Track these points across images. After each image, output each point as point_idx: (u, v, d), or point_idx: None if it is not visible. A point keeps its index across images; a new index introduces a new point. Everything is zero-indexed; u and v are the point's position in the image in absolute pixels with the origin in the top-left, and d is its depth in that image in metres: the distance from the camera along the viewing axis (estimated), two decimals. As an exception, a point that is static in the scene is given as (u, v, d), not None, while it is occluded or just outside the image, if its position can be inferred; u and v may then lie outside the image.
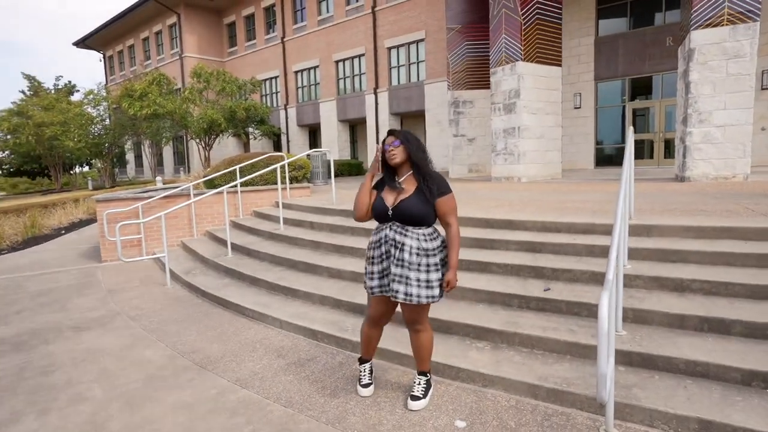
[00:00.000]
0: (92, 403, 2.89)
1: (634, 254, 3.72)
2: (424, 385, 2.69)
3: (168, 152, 28.80)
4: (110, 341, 3.97)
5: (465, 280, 3.87)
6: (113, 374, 3.30)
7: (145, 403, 2.86)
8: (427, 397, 2.68)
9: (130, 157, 33.19)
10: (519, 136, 10.38)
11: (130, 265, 7.02)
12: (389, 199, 2.51)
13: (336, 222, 6.09)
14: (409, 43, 18.52)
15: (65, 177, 31.26)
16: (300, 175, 9.42)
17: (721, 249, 3.53)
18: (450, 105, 13.72)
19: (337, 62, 21.29)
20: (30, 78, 30.35)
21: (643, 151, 13.65)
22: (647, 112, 13.72)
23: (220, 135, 20.29)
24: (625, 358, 2.72)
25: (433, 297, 2.47)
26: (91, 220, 12.04)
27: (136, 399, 2.92)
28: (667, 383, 2.52)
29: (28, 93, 30.30)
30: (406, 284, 2.44)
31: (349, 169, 18.18)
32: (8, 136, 25.38)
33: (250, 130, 21.39)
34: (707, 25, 7.84)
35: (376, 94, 19.66)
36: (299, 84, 23.38)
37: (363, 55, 20.11)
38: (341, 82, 21.43)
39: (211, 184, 9.12)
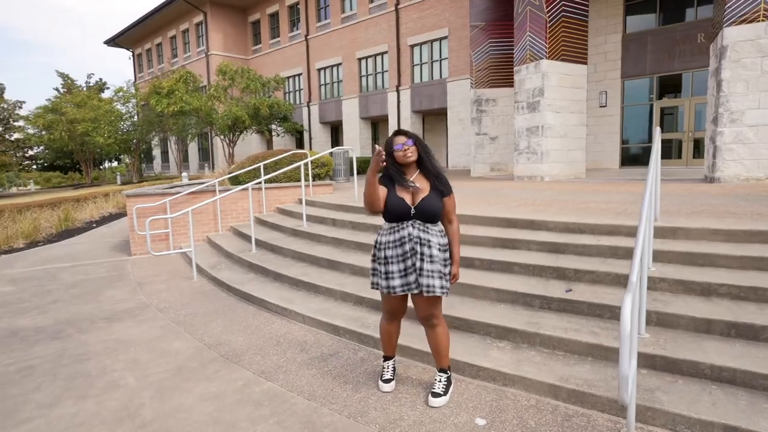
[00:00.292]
0: (125, 390, 3.02)
1: (659, 257, 3.68)
2: (445, 383, 2.73)
3: (193, 148, 29.40)
4: (140, 332, 4.12)
5: (487, 279, 3.89)
6: (144, 364, 3.43)
7: (174, 393, 2.97)
8: (448, 395, 2.71)
9: (156, 152, 34.03)
10: (542, 135, 10.27)
11: (157, 258, 7.24)
12: (407, 197, 2.56)
13: (358, 219, 6.16)
14: (432, 41, 18.46)
15: (95, 172, 32.24)
16: (323, 172, 9.53)
17: (752, 253, 3.45)
18: (473, 103, 13.64)
19: (359, 60, 21.37)
20: (64, 76, 31.40)
21: (671, 150, 13.32)
22: (676, 111, 13.38)
23: (244, 132, 20.63)
24: (648, 362, 2.70)
25: (448, 288, 2.62)
26: (120, 214, 12.43)
27: (167, 388, 3.04)
28: (691, 388, 2.49)
29: (61, 90, 31.34)
30: (433, 278, 2.55)
31: (371, 166, 18.23)
32: (43, 132, 26.32)
33: (274, 127, 21.68)
34: (742, 21, 7.60)
35: (398, 91, 19.68)
36: (322, 81, 23.56)
37: (386, 52, 20.14)
38: (364, 79, 21.50)
39: (235, 181, 9.31)
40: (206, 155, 28.67)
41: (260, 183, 7.92)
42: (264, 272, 5.47)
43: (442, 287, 2.56)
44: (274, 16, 25.62)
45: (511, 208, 5.70)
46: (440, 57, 18.39)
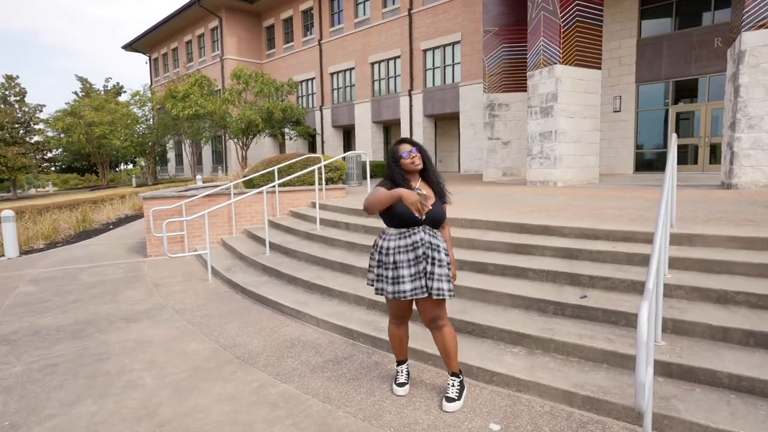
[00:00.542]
0: (144, 390, 3.08)
1: (675, 263, 3.65)
2: (458, 387, 2.74)
3: (207, 151, 29.77)
4: (157, 333, 4.19)
5: (500, 284, 3.89)
6: (162, 364, 3.50)
7: (192, 393, 3.02)
8: (462, 399, 2.73)
9: (170, 155, 34.51)
10: (555, 140, 10.22)
11: (172, 260, 7.35)
12: None
13: (371, 224, 6.19)
14: (444, 45, 18.51)
15: (111, 174, 32.79)
16: (336, 176, 9.60)
17: (770, 261, 3.41)
18: (485, 108, 13.63)
19: (372, 64, 21.48)
20: (82, 80, 32.04)
21: (686, 156, 13.16)
22: (692, 116, 13.22)
23: (257, 135, 20.84)
24: (664, 369, 2.69)
25: (453, 291, 2.68)
26: (136, 216, 12.63)
27: (184, 388, 3.09)
28: (708, 397, 2.47)
29: (80, 94, 31.97)
30: (442, 281, 2.61)
31: (383, 170, 18.31)
32: (62, 135, 26.88)
33: (286, 130, 21.88)
34: (760, 26, 7.51)
35: (410, 96, 19.74)
36: (335, 85, 23.72)
37: (398, 57, 20.23)
38: (376, 83, 21.61)
39: (249, 184, 9.42)
40: (220, 158, 29.02)
41: (274, 186, 8.00)
42: (278, 275, 5.53)
43: (449, 290, 2.62)
44: (288, 21, 25.89)
45: (525, 214, 5.69)
46: (453, 61, 18.43)
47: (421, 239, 2.61)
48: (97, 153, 27.55)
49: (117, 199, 14.56)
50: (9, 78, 28.66)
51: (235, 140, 20.70)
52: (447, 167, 20.43)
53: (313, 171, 8.05)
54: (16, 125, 27.94)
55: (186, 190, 9.33)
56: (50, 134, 29.01)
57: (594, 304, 3.34)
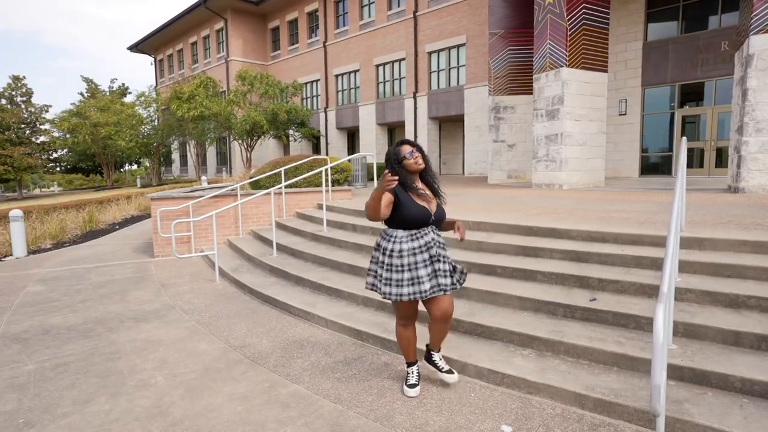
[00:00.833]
0: (156, 389, 3.10)
1: (685, 267, 3.65)
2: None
3: (211, 153, 29.88)
4: (167, 333, 4.22)
5: (509, 287, 3.90)
6: (172, 364, 3.52)
7: (203, 392, 3.04)
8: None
9: (175, 156, 34.64)
10: (561, 143, 10.22)
11: (179, 261, 7.38)
12: (425, 205, 2.69)
13: (378, 225, 6.20)
14: (449, 48, 18.54)
15: (115, 174, 32.93)
16: (342, 178, 9.63)
17: (780, 265, 3.40)
18: (490, 110, 13.64)
19: (377, 66, 21.53)
20: (88, 81, 32.20)
21: (692, 159, 13.13)
22: (698, 120, 13.19)
23: (262, 137, 20.90)
24: (676, 373, 2.69)
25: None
26: (141, 217, 12.69)
27: (196, 388, 3.11)
28: (721, 401, 2.48)
29: (86, 95, 32.14)
30: (455, 275, 2.78)
31: (387, 172, 18.32)
32: (67, 135, 27.04)
33: (291, 132, 21.93)
34: None
35: (415, 98, 19.77)
36: (339, 87, 23.78)
37: (403, 59, 20.27)
38: (381, 86, 21.65)
39: (255, 185, 9.45)
40: (224, 159, 29.11)
41: (281, 188, 8.03)
42: (285, 276, 5.55)
43: (458, 280, 2.80)
44: (293, 23, 25.99)
45: (532, 216, 5.69)
46: (458, 64, 18.45)
47: (433, 239, 2.71)
48: (102, 153, 27.69)
49: (123, 200, 14.63)
50: (16, 78, 28.88)
51: (240, 141, 20.77)
52: (451, 169, 20.44)
53: (320, 173, 8.08)
54: (23, 125, 28.16)
55: (192, 191, 9.37)
56: (56, 134, 29.19)
57: (604, 306, 3.34)
